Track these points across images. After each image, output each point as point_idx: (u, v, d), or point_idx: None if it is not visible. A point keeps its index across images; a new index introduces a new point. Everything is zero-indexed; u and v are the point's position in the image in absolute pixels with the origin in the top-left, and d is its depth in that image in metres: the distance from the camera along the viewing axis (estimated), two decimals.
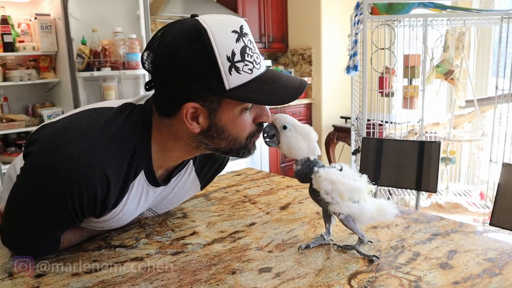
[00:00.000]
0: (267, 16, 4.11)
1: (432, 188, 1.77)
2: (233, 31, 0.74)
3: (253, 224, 1.03)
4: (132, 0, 2.92)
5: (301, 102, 4.12)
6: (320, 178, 0.84)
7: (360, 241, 0.87)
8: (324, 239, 0.92)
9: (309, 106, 4.22)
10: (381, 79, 2.60)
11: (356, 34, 2.59)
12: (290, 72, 4.34)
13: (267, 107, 0.84)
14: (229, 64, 0.73)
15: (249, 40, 0.76)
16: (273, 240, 0.94)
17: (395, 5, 2.44)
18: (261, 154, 3.78)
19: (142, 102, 0.86)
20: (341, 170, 0.86)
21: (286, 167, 4.12)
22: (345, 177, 0.85)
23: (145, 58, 0.78)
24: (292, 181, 1.39)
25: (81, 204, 0.77)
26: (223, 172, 1.11)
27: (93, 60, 2.77)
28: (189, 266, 0.83)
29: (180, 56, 0.73)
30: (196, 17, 0.76)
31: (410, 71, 2.56)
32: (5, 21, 2.74)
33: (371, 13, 2.50)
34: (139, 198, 0.89)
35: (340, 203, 0.84)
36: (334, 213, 0.86)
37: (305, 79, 4.12)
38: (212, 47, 0.72)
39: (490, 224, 1.41)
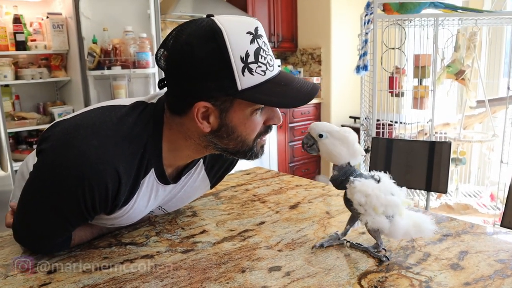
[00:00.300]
0: (277, 16, 4.10)
1: (442, 188, 1.75)
2: (248, 32, 0.74)
3: (262, 223, 1.04)
4: None
5: (310, 102, 4.11)
6: (355, 189, 0.83)
7: (376, 246, 0.87)
8: (338, 239, 0.91)
9: (318, 106, 4.21)
10: (391, 79, 2.58)
11: (366, 33, 2.58)
12: (299, 72, 4.33)
13: (278, 110, 0.84)
14: (242, 65, 0.73)
15: (263, 42, 0.76)
16: (283, 239, 0.94)
17: (406, 4, 2.43)
18: (270, 153, 3.78)
19: (154, 101, 0.87)
20: (378, 181, 0.85)
21: (295, 166, 4.11)
22: (381, 190, 0.83)
23: (159, 55, 0.78)
24: (301, 180, 1.39)
25: (92, 200, 0.78)
26: (233, 171, 1.11)
27: (104, 59, 2.79)
28: (199, 264, 0.83)
29: (194, 55, 0.73)
30: (212, 17, 0.76)
31: (420, 71, 2.54)
32: (17, 20, 2.77)
33: (383, 11, 2.49)
34: (149, 195, 0.89)
35: (372, 216, 0.83)
36: (364, 223, 0.84)
37: (314, 78, 4.14)
38: (226, 47, 0.72)
39: (501, 225, 1.40)
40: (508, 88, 2.38)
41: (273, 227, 1.01)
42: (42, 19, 2.93)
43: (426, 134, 2.78)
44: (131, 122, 0.81)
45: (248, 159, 0.86)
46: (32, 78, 2.84)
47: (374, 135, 2.52)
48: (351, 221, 0.91)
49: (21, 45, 2.78)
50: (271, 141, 3.77)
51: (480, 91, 2.92)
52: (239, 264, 0.83)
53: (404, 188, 0.87)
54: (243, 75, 0.74)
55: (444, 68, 2.60)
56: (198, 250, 0.90)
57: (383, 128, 2.59)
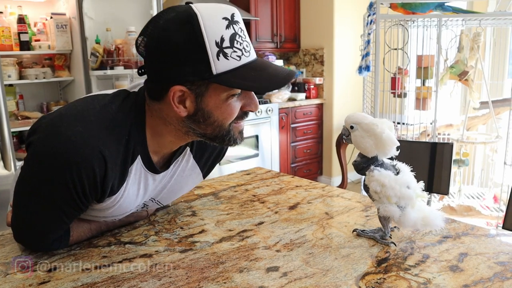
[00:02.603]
0: (280, 16, 4.10)
1: (444, 190, 1.75)
2: (223, 18, 0.76)
3: (261, 223, 1.03)
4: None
5: (312, 102, 4.10)
6: (373, 178, 0.87)
7: (382, 235, 0.91)
8: (381, 231, 0.95)
9: (320, 107, 4.20)
10: (393, 80, 2.58)
11: (369, 34, 2.57)
12: (302, 73, 4.33)
13: (255, 96, 0.85)
14: (217, 49, 0.74)
15: (239, 28, 0.78)
16: (281, 240, 0.94)
17: (411, 2, 2.42)
18: (272, 154, 3.78)
19: (136, 90, 0.89)
20: (398, 173, 0.88)
21: (297, 167, 4.11)
22: (398, 182, 0.86)
23: (139, 42, 0.81)
24: (301, 181, 1.39)
25: (82, 185, 0.79)
26: (233, 171, 1.12)
27: (107, 59, 2.80)
28: (197, 264, 0.83)
29: (170, 40, 0.75)
30: (190, 4, 0.78)
31: (423, 71, 2.53)
32: (21, 20, 2.78)
33: (389, 7, 2.48)
34: (138, 184, 0.90)
35: (385, 204, 0.87)
36: (377, 208, 0.89)
37: (317, 79, 4.14)
38: (201, 31, 0.74)
39: (503, 227, 1.39)
40: None
41: (272, 227, 1.01)
42: (46, 19, 2.95)
43: (428, 135, 2.77)
44: (114, 109, 0.83)
45: (227, 144, 0.88)
46: (36, 78, 2.86)
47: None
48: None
49: (25, 45, 2.80)
50: (273, 141, 3.77)
51: (483, 92, 2.91)
52: (237, 264, 0.83)
53: (421, 182, 0.91)
54: (218, 60, 0.75)
55: (447, 69, 2.59)
56: (197, 250, 0.90)
57: None
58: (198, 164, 1.01)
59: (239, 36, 0.77)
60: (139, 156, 0.86)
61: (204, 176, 1.06)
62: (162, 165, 0.94)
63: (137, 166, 0.87)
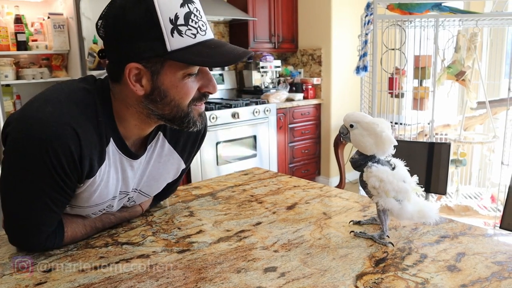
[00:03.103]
0: (277, 16, 4.10)
1: (441, 190, 1.75)
2: None
3: (259, 223, 1.03)
4: None
5: (310, 102, 4.10)
6: (371, 174, 0.90)
7: (381, 234, 0.93)
8: (375, 220, 1.00)
9: (318, 107, 4.20)
10: (391, 80, 2.58)
11: (366, 34, 2.58)
12: (300, 73, 4.33)
13: (213, 78, 0.86)
14: (171, 26, 0.76)
15: (195, 7, 0.80)
16: (279, 240, 0.94)
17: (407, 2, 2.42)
18: (270, 154, 3.78)
19: (103, 77, 0.90)
20: (393, 168, 0.92)
21: (295, 167, 4.11)
22: (395, 177, 0.90)
23: (99, 25, 0.82)
24: (299, 181, 1.39)
25: (61, 164, 0.79)
26: (231, 171, 1.11)
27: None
28: (195, 264, 0.83)
29: (126, 17, 0.77)
30: None
31: (420, 72, 2.53)
32: (19, 20, 2.78)
33: (386, 8, 2.48)
34: (116, 167, 0.90)
35: (383, 198, 0.90)
36: (375, 203, 0.92)
37: (315, 79, 4.14)
38: (155, 8, 0.75)
39: (501, 227, 1.39)
40: (509, 89, 2.37)
41: (269, 227, 1.01)
42: (43, 19, 2.94)
43: (426, 135, 2.77)
44: (83, 91, 0.85)
45: (187, 127, 0.88)
46: (33, 78, 2.85)
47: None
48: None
49: (22, 45, 2.79)
50: (271, 142, 3.77)
51: (481, 92, 2.91)
52: (234, 264, 0.83)
53: (415, 176, 0.94)
54: (172, 36, 0.77)
55: (444, 69, 2.59)
56: (194, 250, 0.89)
57: None
58: (176, 149, 1.01)
59: (194, 15, 0.79)
60: (111, 140, 0.88)
61: (186, 162, 1.06)
62: (136, 151, 0.94)
63: (113, 149, 0.88)
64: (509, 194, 1.43)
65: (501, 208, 2.43)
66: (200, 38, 0.79)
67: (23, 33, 2.79)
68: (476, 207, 2.78)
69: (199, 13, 0.80)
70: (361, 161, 0.92)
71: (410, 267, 0.81)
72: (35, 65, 2.97)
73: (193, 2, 0.79)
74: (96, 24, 0.82)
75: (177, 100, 0.83)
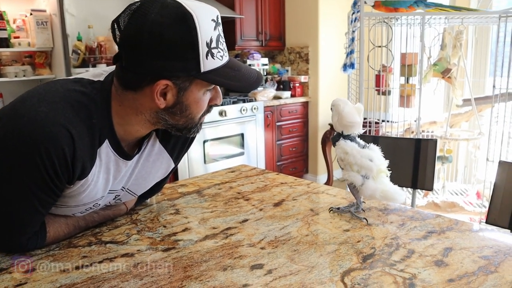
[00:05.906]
0: (264, 14, 4.09)
1: (428, 186, 1.76)
2: (212, 20, 0.80)
3: (246, 220, 1.02)
4: None
5: (297, 100, 4.10)
6: (338, 146, 1.03)
7: (356, 206, 1.04)
8: (354, 207, 1.07)
9: (305, 105, 4.20)
10: (378, 77, 2.59)
11: (353, 32, 2.58)
12: (287, 71, 4.32)
13: (220, 91, 0.91)
14: (207, 49, 0.79)
15: (221, 29, 0.84)
16: (266, 237, 0.92)
17: None
18: (257, 152, 3.77)
19: (101, 78, 0.88)
20: (363, 147, 1.03)
21: (283, 165, 4.10)
22: (360, 153, 1.01)
23: (117, 33, 0.79)
24: (287, 178, 1.38)
25: (53, 166, 0.77)
26: (218, 169, 1.10)
27: (89, 57, 2.75)
28: (180, 263, 0.82)
29: (164, 35, 0.76)
30: (177, 0, 0.79)
31: (407, 69, 2.55)
32: (0, 16, 2.71)
33: (373, 6, 2.49)
34: (108, 168, 0.89)
35: (348, 172, 1.02)
36: (345, 179, 1.02)
37: (302, 77, 4.15)
38: (196, 32, 0.77)
39: (486, 222, 1.40)
40: (494, 86, 2.40)
41: (256, 224, 0.99)
42: (26, 16, 2.88)
43: (413, 132, 2.79)
44: (78, 91, 0.83)
45: (190, 135, 0.93)
46: (16, 76, 2.79)
47: (361, 133, 2.51)
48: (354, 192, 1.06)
49: (4, 42, 2.73)
50: (259, 140, 3.76)
51: (466, 89, 2.94)
52: (220, 262, 0.81)
53: (386, 162, 1.04)
54: (207, 59, 0.79)
55: (430, 67, 2.61)
56: (180, 248, 0.88)
57: (370, 126, 2.59)
58: (166, 148, 1.00)
59: (221, 37, 0.83)
60: (106, 140, 0.86)
61: (175, 161, 1.05)
62: (129, 151, 0.93)
63: (106, 150, 0.87)
64: (494, 190, 1.44)
65: (486, 204, 2.46)
66: (225, 60, 0.84)
67: (5, 30, 2.73)
68: (462, 203, 2.81)
69: (223, 34, 0.84)
70: (337, 138, 1.04)
71: (398, 263, 0.80)
72: (17, 63, 2.91)
73: (220, 24, 0.82)
74: (114, 25, 0.80)
75: (194, 113, 0.87)
